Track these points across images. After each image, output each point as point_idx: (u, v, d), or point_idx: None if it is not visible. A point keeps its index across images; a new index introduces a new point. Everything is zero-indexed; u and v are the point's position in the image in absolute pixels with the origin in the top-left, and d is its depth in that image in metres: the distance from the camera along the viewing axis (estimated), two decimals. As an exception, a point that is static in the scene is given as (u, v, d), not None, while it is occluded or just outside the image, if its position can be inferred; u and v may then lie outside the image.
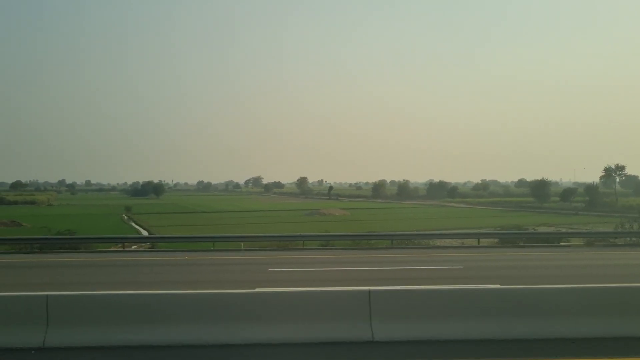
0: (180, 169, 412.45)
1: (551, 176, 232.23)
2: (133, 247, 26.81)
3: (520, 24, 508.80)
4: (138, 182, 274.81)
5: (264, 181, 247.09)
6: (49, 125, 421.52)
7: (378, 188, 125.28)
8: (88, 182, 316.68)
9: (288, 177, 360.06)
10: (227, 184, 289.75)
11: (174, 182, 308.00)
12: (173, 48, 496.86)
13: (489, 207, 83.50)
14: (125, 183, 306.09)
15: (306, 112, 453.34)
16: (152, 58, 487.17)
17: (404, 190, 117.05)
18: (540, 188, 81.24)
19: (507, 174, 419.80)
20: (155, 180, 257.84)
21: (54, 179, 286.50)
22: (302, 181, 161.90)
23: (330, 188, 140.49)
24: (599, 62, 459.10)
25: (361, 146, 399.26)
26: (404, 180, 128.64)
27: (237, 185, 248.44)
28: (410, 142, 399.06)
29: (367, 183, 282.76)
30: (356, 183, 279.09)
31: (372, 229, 42.12)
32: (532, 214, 68.09)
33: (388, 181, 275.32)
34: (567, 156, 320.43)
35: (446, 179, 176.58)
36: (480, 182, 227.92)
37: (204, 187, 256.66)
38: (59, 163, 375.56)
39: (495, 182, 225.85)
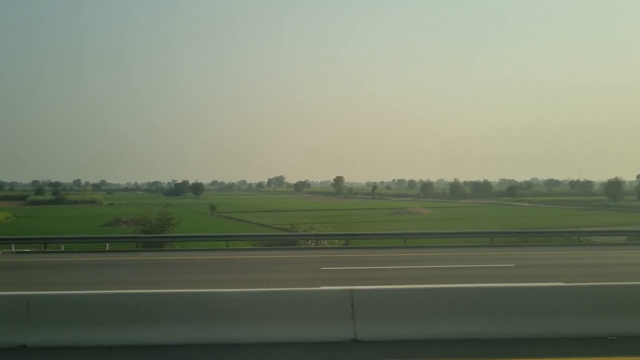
0: (186, 169, 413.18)
1: (556, 175, 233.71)
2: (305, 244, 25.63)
3: (524, 22, 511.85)
4: (157, 182, 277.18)
5: (287, 180, 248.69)
6: (56, 127, 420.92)
7: (427, 188, 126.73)
8: (103, 182, 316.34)
9: (297, 177, 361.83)
10: (240, 183, 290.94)
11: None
12: (175, 48, 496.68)
13: (560, 207, 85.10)
14: (136, 183, 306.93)
15: (313, 113, 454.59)
16: (154, 59, 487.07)
17: (456, 189, 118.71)
18: (614, 187, 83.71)
19: (511, 174, 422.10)
20: (165, 181, 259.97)
21: (65, 179, 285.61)
22: (339, 180, 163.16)
23: (374, 187, 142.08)
24: (601, 61, 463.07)
25: (364, 147, 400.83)
26: (454, 179, 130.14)
27: (260, 185, 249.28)
28: (414, 142, 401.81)
29: (382, 182, 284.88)
30: (373, 182, 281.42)
31: (482, 227, 42.73)
32: (615, 212, 69.82)
33: (407, 180, 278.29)
34: (571, 155, 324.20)
35: (450, 179, 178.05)
36: (499, 180, 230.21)
37: (226, 187, 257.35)
38: (65, 164, 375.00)
39: (512, 182, 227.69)
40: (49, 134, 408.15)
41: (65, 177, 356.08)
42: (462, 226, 45.76)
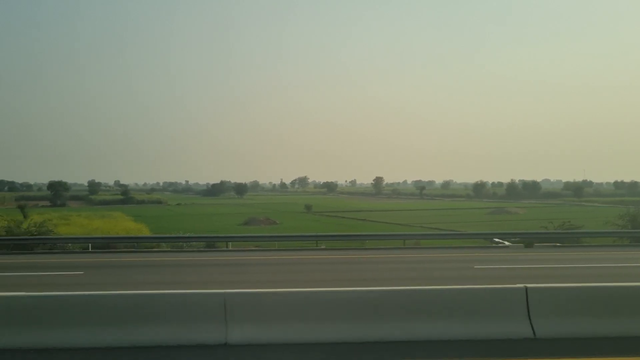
0: (191, 170, 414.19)
1: (558, 176, 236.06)
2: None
3: (524, 22, 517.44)
4: (174, 183, 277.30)
5: (309, 180, 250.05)
6: (66, 130, 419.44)
7: (480, 188, 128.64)
8: (117, 182, 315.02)
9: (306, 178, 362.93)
10: (253, 184, 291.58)
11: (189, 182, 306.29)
12: (176, 48, 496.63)
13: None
14: (145, 184, 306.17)
15: (318, 114, 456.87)
16: (155, 60, 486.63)
17: (512, 190, 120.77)
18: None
19: (513, 175, 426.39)
20: (178, 181, 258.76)
21: (78, 180, 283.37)
22: (379, 181, 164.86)
23: (422, 188, 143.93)
24: (602, 61, 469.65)
25: (370, 147, 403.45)
26: (512, 180, 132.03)
27: (283, 185, 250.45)
28: (418, 142, 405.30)
29: (398, 183, 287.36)
30: (391, 183, 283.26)
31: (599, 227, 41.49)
32: None
33: (424, 181, 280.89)
34: (573, 156, 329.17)
35: (457, 180, 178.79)
36: (513, 181, 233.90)
37: (249, 188, 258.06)
38: (78, 165, 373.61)
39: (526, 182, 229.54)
40: (59, 136, 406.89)
41: (77, 178, 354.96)
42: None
